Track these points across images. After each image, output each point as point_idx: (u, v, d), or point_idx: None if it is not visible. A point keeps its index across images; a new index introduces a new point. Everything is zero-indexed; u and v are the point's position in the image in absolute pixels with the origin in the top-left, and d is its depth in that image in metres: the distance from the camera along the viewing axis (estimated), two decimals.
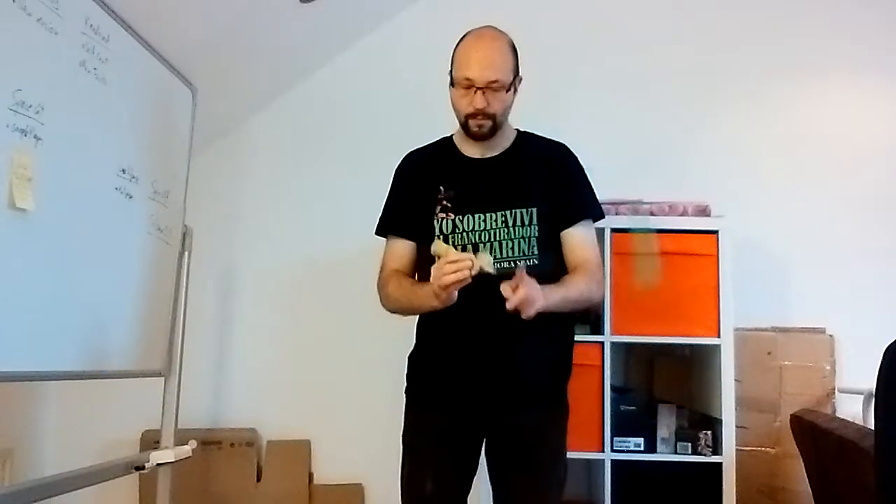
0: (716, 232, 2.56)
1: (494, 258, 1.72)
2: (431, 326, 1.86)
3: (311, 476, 2.93)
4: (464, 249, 1.76)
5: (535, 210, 1.79)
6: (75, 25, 1.69)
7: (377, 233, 1.93)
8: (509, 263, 1.76)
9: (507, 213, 1.79)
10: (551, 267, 1.80)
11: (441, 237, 1.79)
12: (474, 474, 1.86)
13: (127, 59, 1.91)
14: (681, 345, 2.68)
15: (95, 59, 1.76)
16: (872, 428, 1.57)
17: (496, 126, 1.79)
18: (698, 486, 2.49)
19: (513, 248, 1.78)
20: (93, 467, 1.90)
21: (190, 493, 2.72)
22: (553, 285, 1.71)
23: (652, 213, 2.65)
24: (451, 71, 1.79)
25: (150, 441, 2.60)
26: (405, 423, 1.88)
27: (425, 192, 1.84)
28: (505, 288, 1.58)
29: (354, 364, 2.99)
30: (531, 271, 1.72)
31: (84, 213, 1.77)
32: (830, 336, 2.84)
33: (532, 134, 1.92)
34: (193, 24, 2.44)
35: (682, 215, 2.64)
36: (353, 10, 3.03)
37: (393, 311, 1.84)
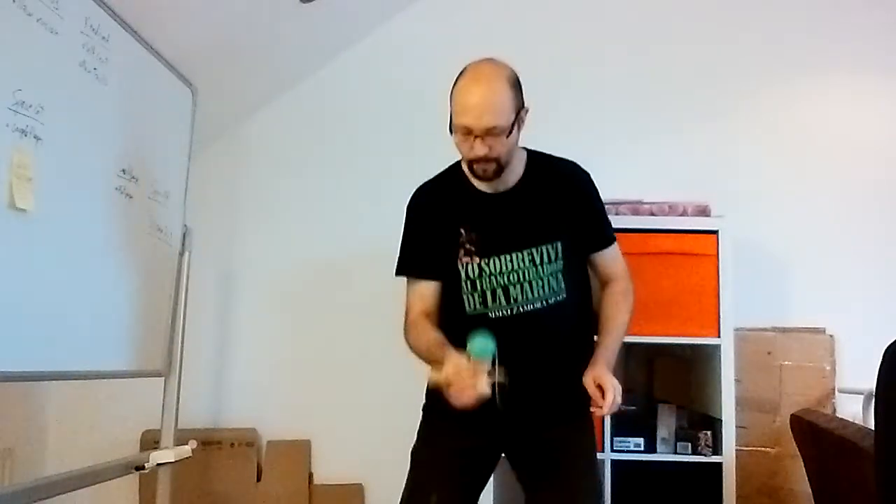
0: (716, 232, 2.56)
1: (526, 298, 1.74)
2: (453, 334, 1.79)
3: (311, 476, 2.93)
4: (493, 293, 1.75)
5: (559, 244, 1.77)
6: (75, 25, 1.69)
7: (397, 273, 1.84)
8: (541, 303, 1.75)
9: (534, 250, 1.76)
10: (577, 296, 1.81)
11: (468, 281, 1.76)
12: (482, 489, 1.84)
13: (127, 59, 1.92)
14: (681, 345, 2.68)
15: (95, 59, 1.76)
16: (872, 428, 1.57)
17: (501, 167, 1.73)
18: (698, 486, 2.49)
19: (543, 287, 1.75)
20: (93, 467, 1.90)
21: (190, 493, 2.72)
22: (607, 343, 1.76)
23: (652, 213, 2.66)
24: (450, 113, 1.70)
25: (150, 441, 2.60)
26: (418, 437, 1.85)
27: (444, 231, 1.79)
28: (596, 395, 1.61)
29: (354, 364, 2.99)
30: (560, 307, 1.75)
31: (84, 213, 1.77)
32: (830, 336, 2.84)
33: (542, 156, 1.86)
34: (193, 24, 2.43)
35: (682, 215, 2.64)
36: (353, 10, 3.03)
37: (412, 351, 1.78)
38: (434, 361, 1.65)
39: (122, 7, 1.85)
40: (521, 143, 1.81)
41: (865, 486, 1.60)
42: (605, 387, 1.62)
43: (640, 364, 2.84)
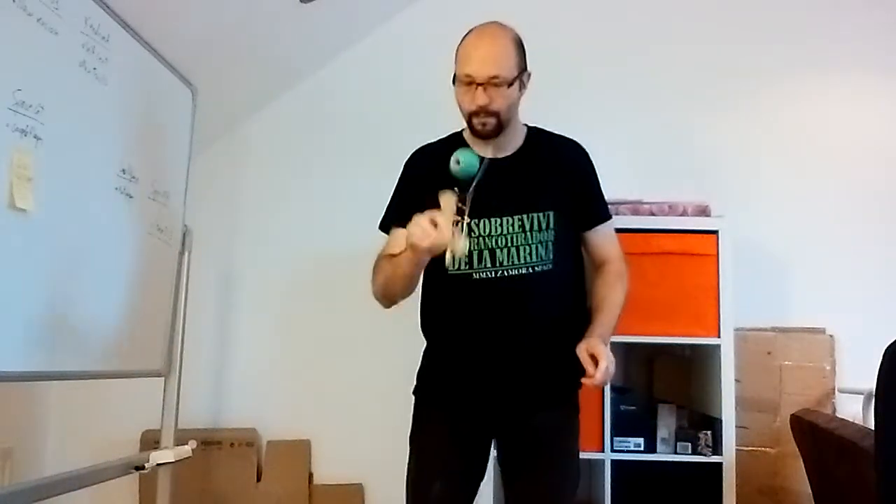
0: (716, 232, 2.56)
1: (512, 263, 1.73)
2: (442, 327, 1.84)
3: (311, 476, 2.93)
4: (479, 254, 1.75)
5: (552, 214, 1.77)
6: (75, 25, 1.69)
7: (381, 226, 1.87)
8: (527, 269, 1.75)
9: (524, 217, 1.76)
10: (565, 270, 1.80)
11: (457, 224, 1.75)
12: (482, 478, 1.84)
13: (127, 59, 1.91)
14: (681, 345, 2.68)
15: (95, 59, 1.76)
16: (872, 428, 1.57)
17: (501, 123, 1.75)
18: (698, 486, 2.49)
19: (530, 254, 1.75)
20: (93, 467, 1.90)
21: (190, 493, 2.72)
22: (601, 319, 1.75)
23: (652, 213, 2.66)
24: (454, 69, 1.75)
25: (150, 441, 2.60)
26: (413, 423, 1.86)
27: (436, 189, 1.77)
28: (588, 363, 1.60)
29: (354, 364, 2.99)
30: (546, 276, 1.74)
31: (84, 213, 1.76)
32: (830, 336, 2.84)
33: (543, 130, 1.89)
34: (193, 24, 2.43)
35: (682, 215, 2.64)
36: (352, 10, 3.03)
37: (381, 293, 1.76)
38: (399, 263, 1.67)
39: (122, 7, 1.85)
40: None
41: (865, 486, 1.60)
42: (598, 356, 1.60)
43: (640, 364, 2.84)
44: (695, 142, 3.07)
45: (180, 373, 2.28)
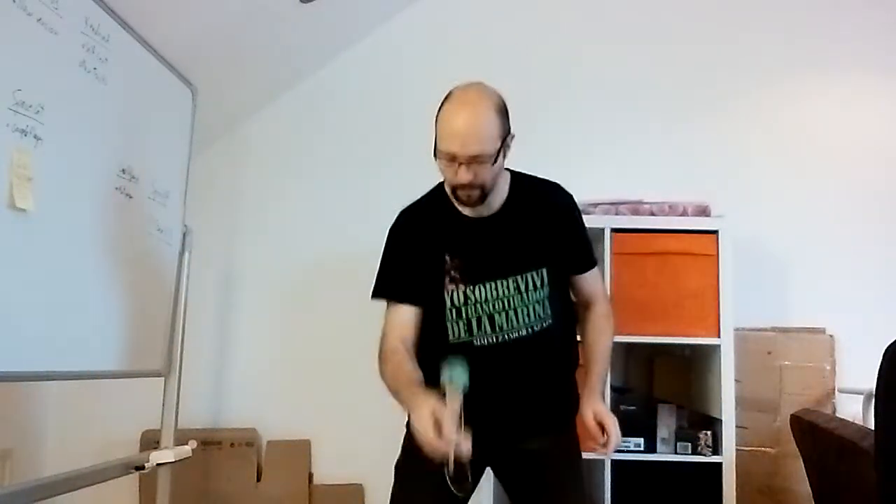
0: (716, 232, 2.56)
1: (511, 326, 1.73)
2: (433, 362, 1.74)
3: (311, 476, 2.93)
4: (478, 321, 1.73)
5: (545, 270, 1.75)
6: (75, 25, 1.69)
7: (374, 296, 1.79)
8: (527, 331, 1.74)
9: (519, 278, 1.74)
10: (562, 323, 1.80)
11: (452, 309, 1.73)
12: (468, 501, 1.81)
13: (127, 59, 1.92)
14: (681, 345, 2.68)
15: (95, 59, 1.76)
16: (872, 428, 1.57)
17: (485, 194, 1.70)
18: (698, 486, 2.49)
19: (528, 315, 1.74)
20: (93, 467, 1.90)
21: (190, 493, 2.72)
22: (597, 371, 1.77)
23: (652, 213, 2.65)
24: (434, 137, 1.66)
25: (150, 441, 2.60)
26: (402, 452, 1.83)
27: (428, 257, 1.75)
28: (597, 433, 1.64)
29: (354, 364, 2.97)
30: (545, 333, 1.75)
31: (84, 213, 1.77)
32: (830, 336, 2.84)
33: (526, 177, 1.83)
34: (193, 24, 2.43)
35: (682, 215, 2.64)
36: (353, 10, 3.04)
37: (386, 386, 1.71)
38: (404, 403, 1.61)
39: (122, 7, 1.85)
40: (518, 160, 1.77)
41: (865, 486, 1.60)
42: (606, 425, 1.63)
43: (640, 364, 2.84)
44: (695, 142, 3.07)
45: (180, 373, 2.28)
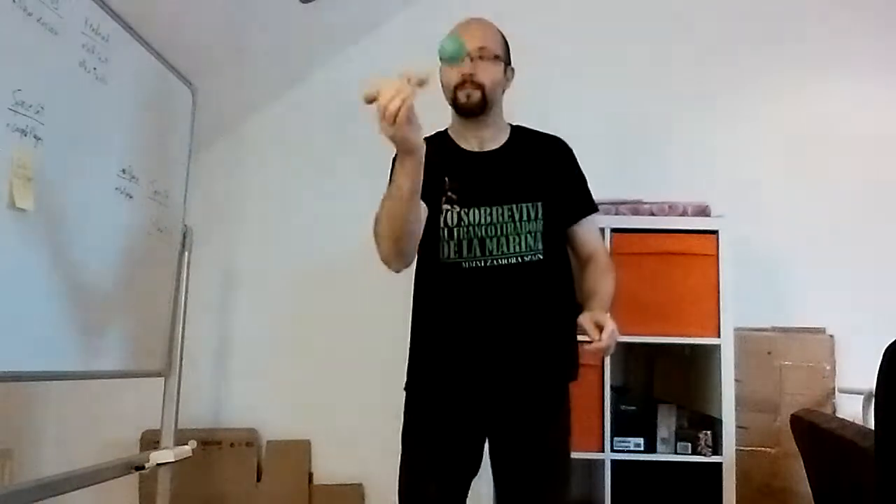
0: (716, 232, 2.56)
1: (501, 252, 1.73)
2: (433, 317, 1.83)
3: (311, 476, 2.93)
4: (469, 243, 1.75)
5: (540, 204, 1.79)
6: (75, 25, 1.69)
7: None
8: (517, 259, 1.76)
9: (514, 207, 1.77)
10: (555, 261, 1.81)
11: (445, 228, 1.77)
12: (475, 475, 1.84)
13: (127, 59, 1.91)
14: (681, 345, 2.68)
15: (95, 59, 1.76)
16: (872, 428, 1.57)
17: (486, 100, 1.77)
18: (698, 486, 2.49)
19: (519, 244, 1.76)
20: (93, 467, 1.90)
21: (190, 493, 2.72)
22: (598, 299, 1.75)
23: (652, 213, 2.66)
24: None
25: (150, 441, 2.60)
26: (405, 421, 1.85)
27: (429, 177, 1.75)
28: (592, 330, 1.59)
29: (354, 364, 2.99)
30: (536, 266, 1.74)
31: (84, 214, 1.76)
32: (830, 336, 2.84)
33: (526, 128, 1.92)
34: (193, 23, 2.43)
35: (682, 215, 2.64)
36: (352, 10, 3.03)
37: (388, 240, 1.63)
38: (394, 183, 1.59)
39: (123, 7, 1.85)
40: None
41: (865, 486, 1.60)
42: (602, 324, 1.59)
43: (640, 364, 2.84)
44: (695, 141, 3.07)
45: (180, 373, 2.28)
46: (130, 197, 1.96)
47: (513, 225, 1.77)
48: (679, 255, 2.56)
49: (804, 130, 3.06)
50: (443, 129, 1.91)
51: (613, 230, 2.56)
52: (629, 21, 3.14)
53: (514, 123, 1.93)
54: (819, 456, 2.08)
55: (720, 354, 2.50)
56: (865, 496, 1.63)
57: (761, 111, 3.08)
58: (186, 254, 2.32)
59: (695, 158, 3.05)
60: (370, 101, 1.48)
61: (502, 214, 1.77)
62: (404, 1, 3.15)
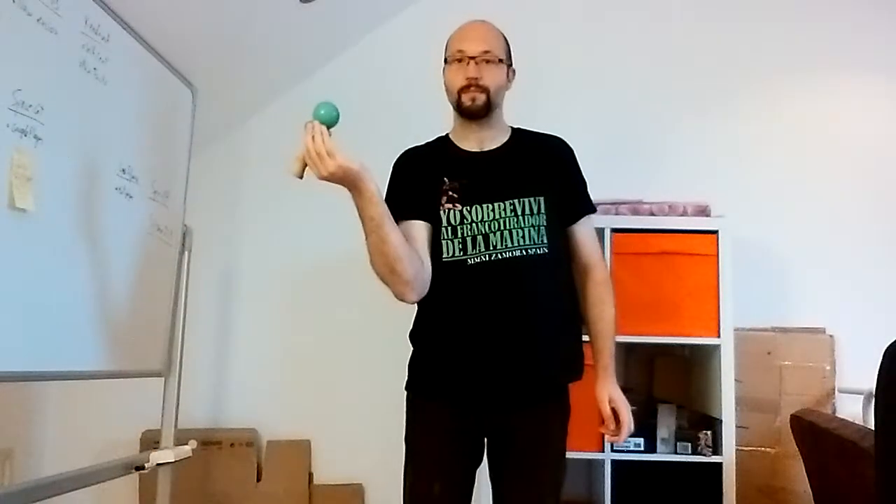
0: (716, 232, 2.56)
1: (505, 246, 1.74)
2: (438, 316, 1.82)
3: (311, 476, 2.93)
4: (473, 240, 1.76)
5: (542, 199, 1.79)
6: (75, 25, 1.69)
7: None
8: (521, 252, 1.75)
9: (516, 201, 1.77)
10: (558, 255, 1.81)
11: (448, 227, 1.77)
12: (478, 466, 1.84)
13: (127, 59, 1.91)
14: (681, 345, 2.68)
15: (95, 59, 1.76)
16: (872, 428, 1.57)
17: (490, 102, 1.78)
18: (698, 486, 2.49)
19: (523, 237, 1.76)
20: (93, 467, 1.90)
21: (190, 493, 2.72)
22: (605, 347, 1.83)
23: (652, 213, 2.66)
24: (445, 53, 1.82)
25: (150, 441, 2.60)
26: (408, 422, 1.85)
27: (428, 182, 1.81)
28: (610, 419, 1.75)
29: (354, 364, 2.99)
30: (541, 260, 1.75)
31: (84, 213, 1.76)
32: (830, 336, 2.84)
33: (526, 129, 1.93)
34: (193, 24, 2.43)
35: (682, 215, 2.64)
36: (353, 10, 3.04)
37: (384, 270, 1.67)
38: (368, 232, 1.69)
39: (122, 7, 1.85)
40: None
41: (865, 486, 1.60)
42: (621, 414, 1.71)
43: (640, 364, 2.84)
44: (695, 141, 3.07)
45: (180, 373, 2.28)
46: (130, 197, 1.96)
47: (515, 219, 1.76)
48: (679, 255, 2.56)
49: (804, 130, 3.07)
50: (444, 133, 1.91)
51: (613, 230, 2.56)
52: (629, 21, 3.14)
53: (515, 126, 1.93)
54: (819, 456, 2.08)
55: (720, 354, 2.50)
56: (865, 496, 1.63)
57: (761, 111, 3.08)
58: (186, 254, 2.32)
59: (695, 158, 3.05)
60: (300, 170, 1.70)
61: (504, 209, 1.77)
62: (404, 1, 3.15)
